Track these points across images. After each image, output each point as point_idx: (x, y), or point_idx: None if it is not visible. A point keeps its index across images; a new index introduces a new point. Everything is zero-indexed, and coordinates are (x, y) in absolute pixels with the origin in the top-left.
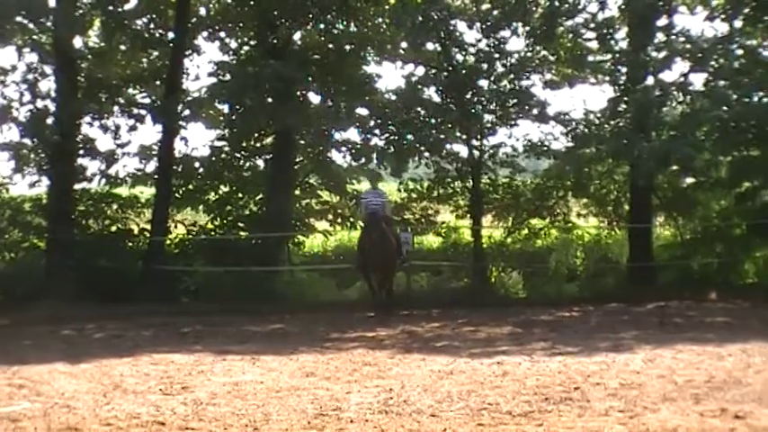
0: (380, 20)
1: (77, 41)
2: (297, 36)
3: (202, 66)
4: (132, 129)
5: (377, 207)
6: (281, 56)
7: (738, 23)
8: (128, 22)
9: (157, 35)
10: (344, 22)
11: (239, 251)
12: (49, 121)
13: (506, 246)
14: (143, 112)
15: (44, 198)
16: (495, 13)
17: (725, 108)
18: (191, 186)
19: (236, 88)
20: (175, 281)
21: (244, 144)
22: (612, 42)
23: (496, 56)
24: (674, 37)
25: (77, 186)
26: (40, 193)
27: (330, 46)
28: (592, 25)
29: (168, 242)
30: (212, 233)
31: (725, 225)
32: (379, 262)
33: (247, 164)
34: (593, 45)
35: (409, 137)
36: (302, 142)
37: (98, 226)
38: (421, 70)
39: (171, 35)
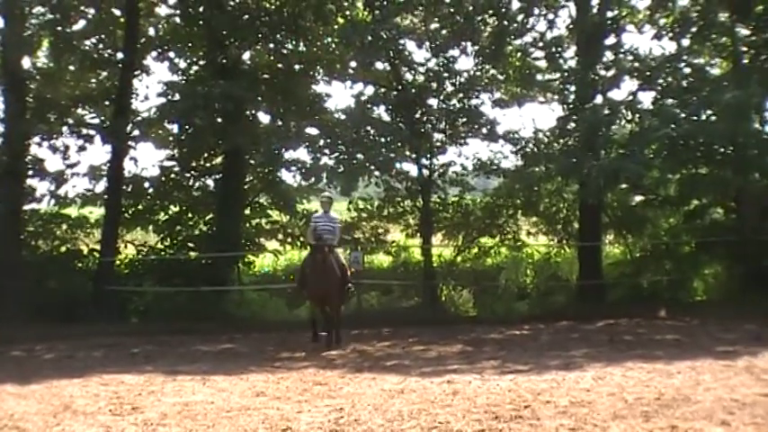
0: (330, 39)
1: (26, 62)
2: (246, 56)
3: (152, 86)
4: (81, 149)
5: (326, 232)
6: (230, 75)
7: (686, 42)
8: (77, 42)
9: (106, 55)
10: (294, 42)
11: (189, 271)
12: None
13: (456, 264)
14: (92, 132)
15: None
16: (444, 32)
17: (673, 126)
18: (140, 206)
19: (185, 108)
20: (125, 301)
21: (193, 164)
22: (561, 61)
23: (446, 75)
24: (622, 56)
25: (26, 207)
26: None
27: (279, 65)
28: (540, 44)
29: (118, 262)
30: (162, 253)
31: (674, 243)
32: (317, 291)
33: (197, 184)
34: (542, 64)
35: (359, 156)
36: (252, 162)
37: (47, 246)
38: (370, 89)
39: (120, 55)
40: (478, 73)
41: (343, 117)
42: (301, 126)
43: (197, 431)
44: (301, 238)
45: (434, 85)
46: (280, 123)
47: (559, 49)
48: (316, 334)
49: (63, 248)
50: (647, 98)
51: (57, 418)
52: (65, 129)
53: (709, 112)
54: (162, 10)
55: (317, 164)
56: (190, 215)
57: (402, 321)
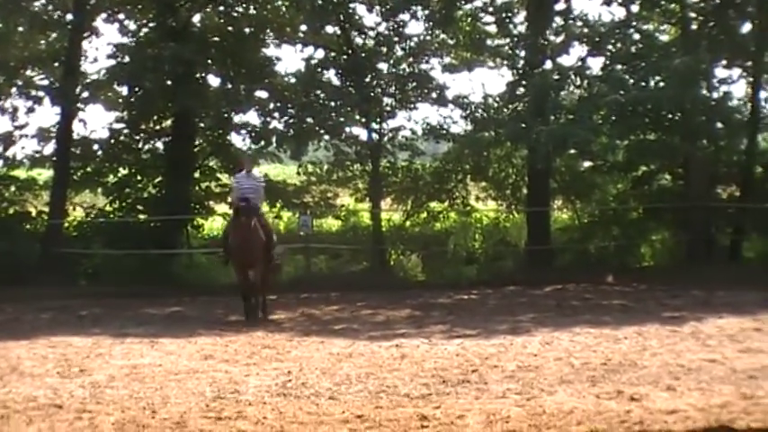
0: (280, 2)
1: None
2: (196, 18)
3: (101, 48)
4: (30, 110)
5: (250, 192)
6: (180, 38)
7: (635, 8)
8: (26, 3)
9: (56, 17)
10: (244, 5)
11: (138, 234)
12: None
13: (405, 229)
14: (41, 93)
15: None
16: None
17: (622, 92)
18: (89, 169)
19: (135, 70)
20: (74, 264)
21: (143, 126)
22: (511, 26)
23: (396, 39)
24: (571, 21)
25: None
26: None
27: (230, 28)
28: (490, 9)
29: (66, 225)
30: (111, 216)
31: (622, 209)
32: (241, 257)
33: (146, 146)
34: (492, 29)
35: (309, 120)
36: (202, 125)
37: None
38: (320, 53)
39: (70, 17)
40: (429, 38)
41: (293, 81)
42: (251, 89)
43: (145, 394)
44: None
45: (384, 49)
46: (230, 86)
47: (509, 14)
48: (249, 305)
49: (11, 210)
50: (596, 64)
51: (3, 380)
52: (13, 90)
53: (657, 78)
54: None
55: (266, 127)
56: (139, 178)
57: (351, 286)
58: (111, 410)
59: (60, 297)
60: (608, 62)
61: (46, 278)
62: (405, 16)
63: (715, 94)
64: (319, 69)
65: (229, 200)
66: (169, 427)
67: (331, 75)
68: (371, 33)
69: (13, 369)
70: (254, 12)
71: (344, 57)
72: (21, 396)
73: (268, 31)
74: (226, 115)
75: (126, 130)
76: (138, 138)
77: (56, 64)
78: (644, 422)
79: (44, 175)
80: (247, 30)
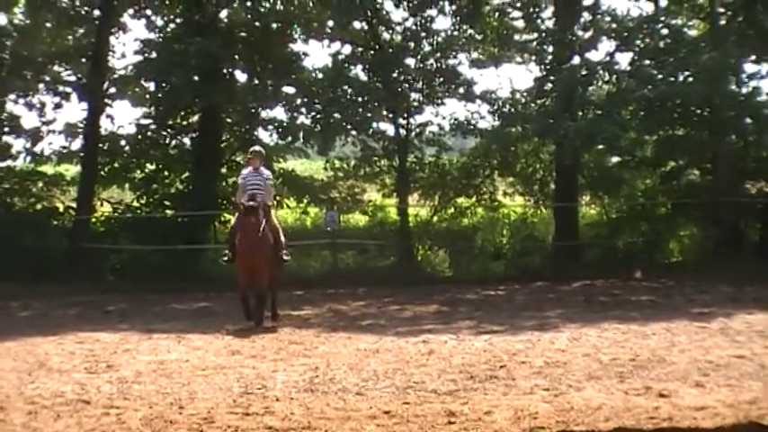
0: None
1: (2, 18)
2: (223, 14)
3: (128, 43)
4: (58, 106)
5: (258, 190)
6: (207, 33)
7: (664, 3)
8: None
9: (83, 12)
10: (271, 0)
11: (165, 229)
12: None
13: (432, 224)
14: (68, 89)
15: None
16: None
17: (650, 87)
18: (116, 164)
19: (162, 66)
20: (101, 259)
21: (170, 122)
22: (539, 22)
23: (423, 35)
24: (600, 16)
25: (2, 164)
26: None
27: (257, 24)
28: (518, 4)
29: (94, 220)
30: (138, 211)
31: (650, 204)
32: (248, 259)
33: (173, 142)
34: (520, 24)
35: (336, 115)
36: (229, 120)
37: (23, 204)
38: (348, 49)
39: (97, 12)
40: (456, 33)
41: (320, 76)
42: (278, 85)
43: (172, 389)
44: (278, 198)
45: (412, 44)
46: (257, 82)
47: (537, 9)
48: (248, 309)
49: (39, 206)
50: (624, 59)
51: (32, 376)
52: (41, 86)
53: (686, 73)
54: None
55: (293, 123)
56: (166, 173)
57: (378, 281)
58: (138, 406)
59: (88, 292)
60: (636, 57)
61: (73, 273)
62: (432, 12)
63: (744, 90)
64: (346, 65)
65: (234, 199)
66: (196, 422)
67: (358, 70)
68: (399, 29)
69: (40, 365)
70: (281, 7)
71: (372, 52)
72: (48, 392)
73: (295, 26)
74: (253, 111)
75: (153, 126)
76: (165, 133)
77: (83, 60)
78: (672, 419)
79: (71, 170)
80: (274, 25)
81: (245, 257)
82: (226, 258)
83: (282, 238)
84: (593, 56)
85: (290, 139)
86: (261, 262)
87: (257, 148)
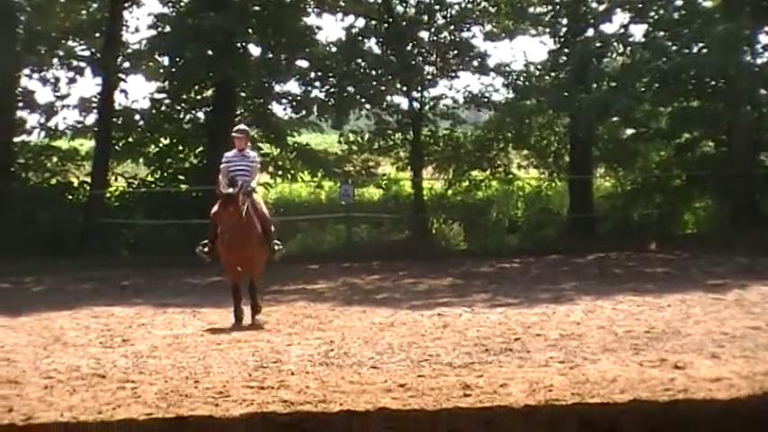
0: None
1: None
2: None
3: (142, 18)
4: (72, 81)
5: (241, 174)
6: (220, 7)
7: None
8: None
9: None
10: None
11: (180, 204)
12: None
13: (447, 198)
14: (82, 64)
15: None
16: None
17: (665, 59)
18: (131, 139)
19: (175, 40)
20: (115, 234)
21: (184, 96)
22: None
23: (437, 7)
24: None
25: (17, 139)
26: None
27: None
28: None
29: (108, 195)
30: (152, 186)
31: (665, 176)
32: (232, 254)
33: (188, 116)
34: None
35: (350, 89)
36: (242, 94)
37: (37, 179)
38: (361, 22)
39: None
40: (470, 5)
41: (333, 50)
42: (292, 59)
43: (187, 363)
44: (292, 171)
45: (425, 17)
46: (270, 56)
47: None
48: (239, 308)
49: (53, 181)
50: (638, 31)
51: (47, 350)
52: (55, 61)
53: (700, 44)
54: None
55: (307, 96)
56: (180, 148)
57: (392, 255)
58: (153, 380)
59: (102, 267)
60: (650, 29)
61: (88, 248)
62: None
63: (759, 61)
64: (360, 38)
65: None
66: (212, 396)
67: (372, 43)
68: (412, 1)
69: (56, 339)
70: None
71: (385, 25)
72: (64, 366)
73: None
74: (266, 85)
75: (167, 101)
76: (179, 108)
77: (97, 34)
78: (688, 390)
79: (86, 145)
80: None
81: (226, 254)
82: (206, 250)
83: (272, 227)
84: (608, 28)
85: (303, 112)
86: (247, 257)
87: (242, 126)
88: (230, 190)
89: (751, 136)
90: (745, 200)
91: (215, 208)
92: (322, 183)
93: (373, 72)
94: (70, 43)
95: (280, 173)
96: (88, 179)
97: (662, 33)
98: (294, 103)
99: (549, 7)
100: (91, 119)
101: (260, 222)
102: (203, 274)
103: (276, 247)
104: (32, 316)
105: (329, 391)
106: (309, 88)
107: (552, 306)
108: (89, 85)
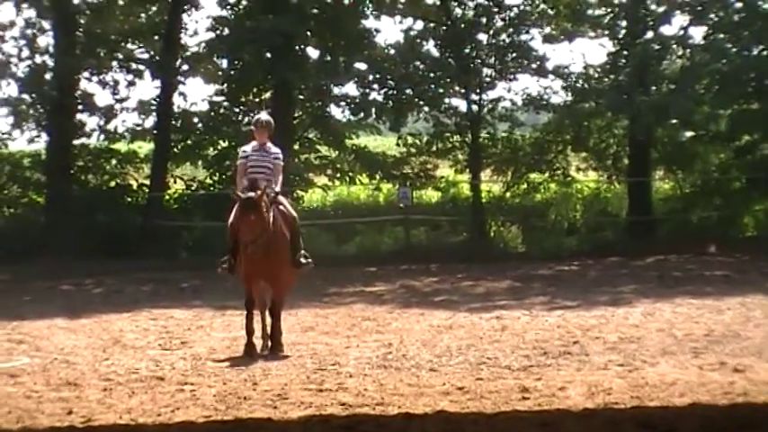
0: None
1: None
2: None
3: (201, 21)
4: (131, 84)
5: (262, 174)
6: (279, 10)
7: None
8: None
9: None
10: None
11: None
12: (48, 76)
13: (505, 200)
14: (141, 67)
15: (43, 153)
16: None
17: (724, 61)
18: (189, 141)
19: (234, 43)
20: (174, 236)
21: (242, 99)
22: None
23: (495, 10)
24: None
25: (76, 142)
26: (39, 148)
27: (328, 0)
28: None
29: (167, 197)
30: (211, 188)
31: (724, 178)
32: (258, 267)
33: (246, 119)
34: None
35: (408, 91)
36: (301, 97)
37: (97, 181)
38: (420, 24)
39: None
40: (528, 8)
41: (392, 52)
42: (350, 61)
43: (246, 365)
44: (350, 174)
45: (484, 20)
46: (328, 58)
47: None
48: (251, 332)
49: (112, 183)
50: (698, 33)
51: (106, 352)
52: (114, 63)
53: (760, 46)
54: None
55: (365, 99)
56: (238, 150)
57: (450, 257)
58: (212, 382)
59: (161, 269)
60: (710, 31)
61: (147, 250)
62: None
63: None
64: (418, 40)
65: (232, 188)
66: (270, 399)
67: (430, 46)
68: (470, 4)
69: (115, 341)
70: None
71: (444, 28)
72: (123, 368)
73: (367, 2)
74: (324, 87)
75: (225, 103)
76: (237, 110)
77: (156, 37)
78: (748, 393)
79: (144, 147)
80: (346, 1)
81: (249, 269)
82: (225, 266)
83: (301, 238)
84: (667, 30)
85: (362, 115)
86: (273, 273)
87: (264, 116)
88: (250, 194)
89: None
90: None
91: (232, 216)
92: (380, 185)
93: (431, 74)
94: (129, 46)
95: (338, 175)
96: (147, 181)
97: (722, 35)
98: (352, 106)
99: (608, 9)
100: (150, 121)
101: (287, 229)
102: None
103: (303, 261)
104: (92, 318)
105: (387, 393)
106: (368, 91)
107: (611, 309)
108: (148, 88)
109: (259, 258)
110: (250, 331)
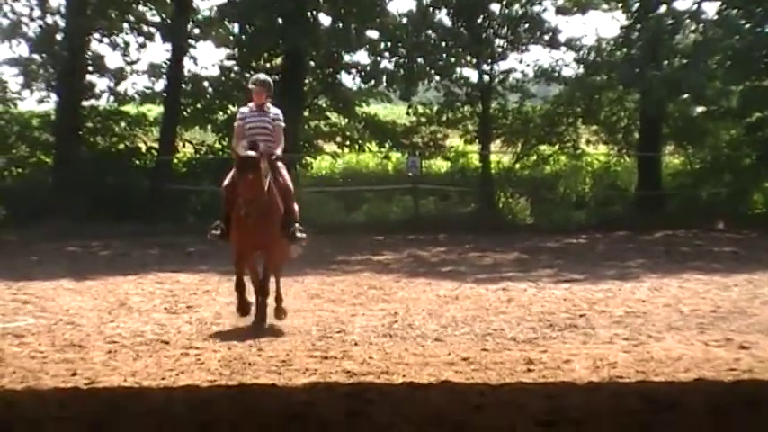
0: None
1: None
2: None
3: None
4: (141, 46)
5: (262, 136)
6: None
7: None
8: None
9: None
10: None
11: None
12: (59, 36)
13: (514, 172)
14: (153, 30)
15: (52, 114)
16: None
17: (737, 37)
18: (199, 106)
19: (246, 8)
20: (182, 200)
21: (253, 64)
22: None
23: None
24: None
25: (86, 103)
26: (49, 109)
27: None
28: None
29: (176, 161)
30: (220, 153)
31: (735, 155)
32: (246, 234)
33: None
34: None
35: (419, 60)
36: (312, 64)
37: (105, 143)
38: None
39: None
40: None
41: (404, 21)
42: (362, 29)
43: (251, 331)
44: (359, 142)
45: None
46: (340, 26)
47: None
48: (244, 301)
49: (121, 146)
50: (711, 8)
51: (111, 315)
52: (125, 25)
53: None
54: None
55: (376, 67)
56: None
57: (458, 227)
58: (217, 347)
59: (168, 233)
60: (723, 6)
61: (154, 214)
62: None
63: None
64: (431, 9)
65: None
66: (275, 364)
67: (442, 15)
68: None
69: (121, 304)
70: None
71: None
72: (128, 331)
73: None
74: (336, 54)
75: (236, 68)
76: (247, 75)
77: (167, 0)
78: (753, 370)
79: (154, 111)
80: None
81: (241, 236)
82: (217, 232)
83: (296, 207)
84: (680, 4)
85: (372, 83)
86: (267, 241)
87: (262, 76)
88: (250, 153)
89: None
90: None
91: (228, 178)
92: (389, 154)
93: (443, 44)
94: (141, 8)
95: (347, 143)
96: (156, 145)
97: (735, 11)
98: (363, 74)
99: None
100: (160, 85)
101: (281, 198)
102: None
103: (298, 235)
104: (98, 280)
105: (392, 362)
106: (379, 59)
107: (618, 283)
108: (159, 51)
109: (252, 225)
110: (244, 309)
